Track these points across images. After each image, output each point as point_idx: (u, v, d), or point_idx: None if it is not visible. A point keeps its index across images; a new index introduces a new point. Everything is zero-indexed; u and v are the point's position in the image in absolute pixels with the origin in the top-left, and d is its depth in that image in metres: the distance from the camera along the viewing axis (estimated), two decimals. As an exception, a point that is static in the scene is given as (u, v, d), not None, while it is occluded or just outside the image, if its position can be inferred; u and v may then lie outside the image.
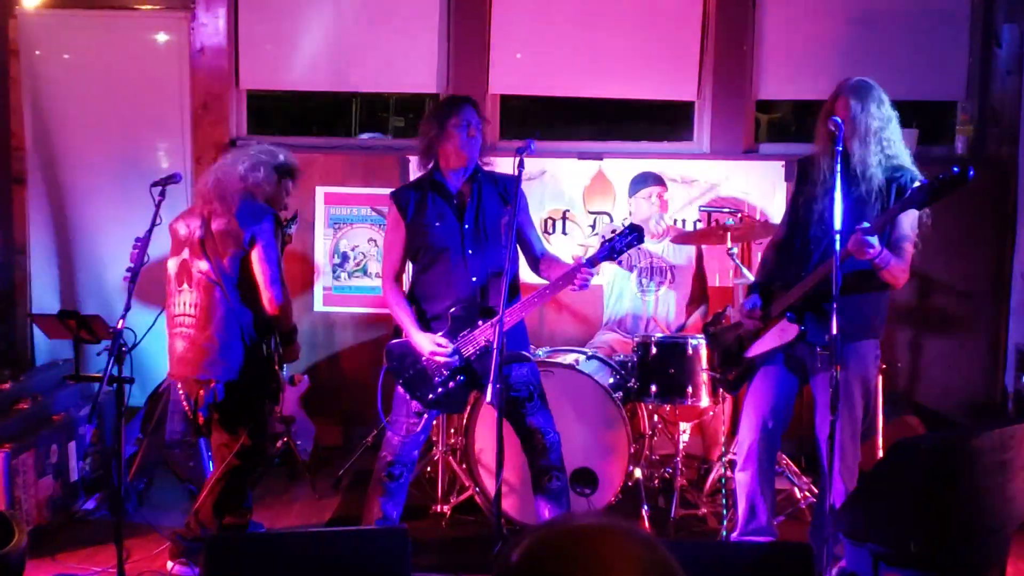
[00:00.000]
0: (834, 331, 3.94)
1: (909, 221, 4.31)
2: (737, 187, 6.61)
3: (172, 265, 4.74)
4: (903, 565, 3.90)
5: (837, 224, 4.01)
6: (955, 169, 3.82)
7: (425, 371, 4.63)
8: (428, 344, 4.57)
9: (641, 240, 4.46)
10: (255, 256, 4.60)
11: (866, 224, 4.13)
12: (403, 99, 7.93)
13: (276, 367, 4.77)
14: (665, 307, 5.98)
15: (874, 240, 4.09)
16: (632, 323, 6.02)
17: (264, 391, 4.77)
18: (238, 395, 4.65)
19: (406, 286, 4.93)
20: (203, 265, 4.62)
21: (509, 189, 4.61)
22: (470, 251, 4.59)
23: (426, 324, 4.66)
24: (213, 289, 4.60)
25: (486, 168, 4.73)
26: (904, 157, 4.41)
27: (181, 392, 4.74)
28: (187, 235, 4.68)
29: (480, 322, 4.56)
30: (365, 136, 7.41)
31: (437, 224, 4.63)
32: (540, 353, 5.50)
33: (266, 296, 4.61)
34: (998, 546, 4.03)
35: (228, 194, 4.65)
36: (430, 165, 4.69)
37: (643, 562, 1.27)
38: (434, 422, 5.02)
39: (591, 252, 4.54)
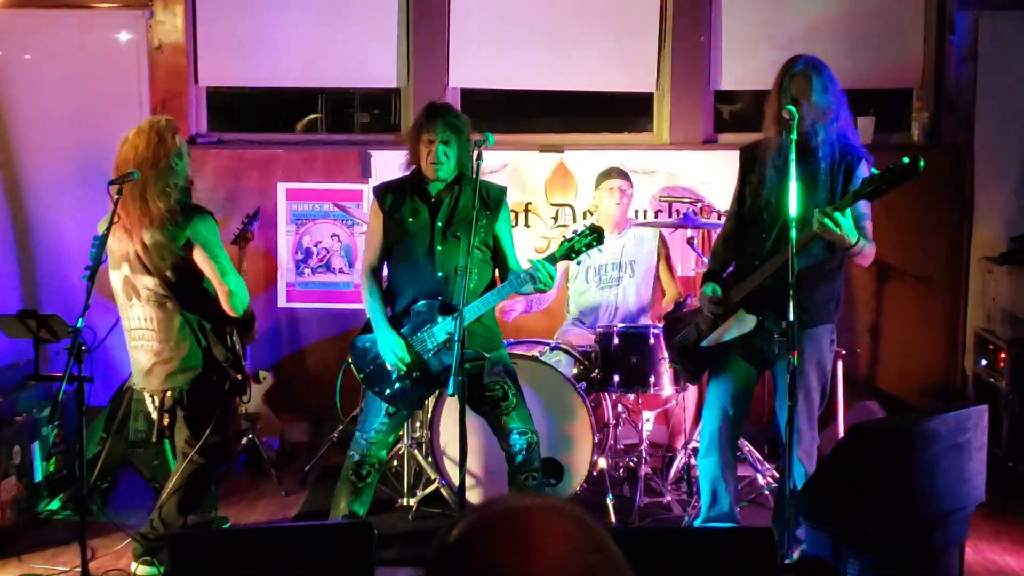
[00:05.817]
0: (791, 318, 3.98)
1: (864, 201, 4.32)
2: (697, 177, 6.64)
3: (115, 280, 4.65)
4: (863, 548, 3.95)
5: (792, 211, 4.04)
6: (906, 160, 3.84)
7: (384, 367, 4.65)
8: (386, 345, 4.60)
9: (601, 242, 4.50)
10: (197, 257, 4.52)
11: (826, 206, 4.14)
12: (368, 95, 7.91)
13: (241, 360, 4.75)
14: (625, 300, 6.00)
15: (846, 220, 4.10)
16: (595, 317, 6.03)
17: (229, 388, 4.74)
18: (203, 395, 4.64)
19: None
20: (148, 281, 4.54)
21: (492, 197, 4.64)
22: (439, 247, 4.61)
23: (396, 320, 4.69)
24: (165, 302, 4.55)
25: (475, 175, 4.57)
26: (852, 135, 4.44)
27: (148, 398, 4.70)
28: (121, 250, 4.56)
29: (440, 318, 4.59)
30: (310, 118, 7.48)
31: (411, 219, 4.67)
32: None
33: (222, 292, 4.55)
34: (956, 528, 4.09)
35: (151, 214, 4.50)
36: (415, 168, 4.72)
37: (576, 539, 1.30)
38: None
39: (551, 250, 4.57)
